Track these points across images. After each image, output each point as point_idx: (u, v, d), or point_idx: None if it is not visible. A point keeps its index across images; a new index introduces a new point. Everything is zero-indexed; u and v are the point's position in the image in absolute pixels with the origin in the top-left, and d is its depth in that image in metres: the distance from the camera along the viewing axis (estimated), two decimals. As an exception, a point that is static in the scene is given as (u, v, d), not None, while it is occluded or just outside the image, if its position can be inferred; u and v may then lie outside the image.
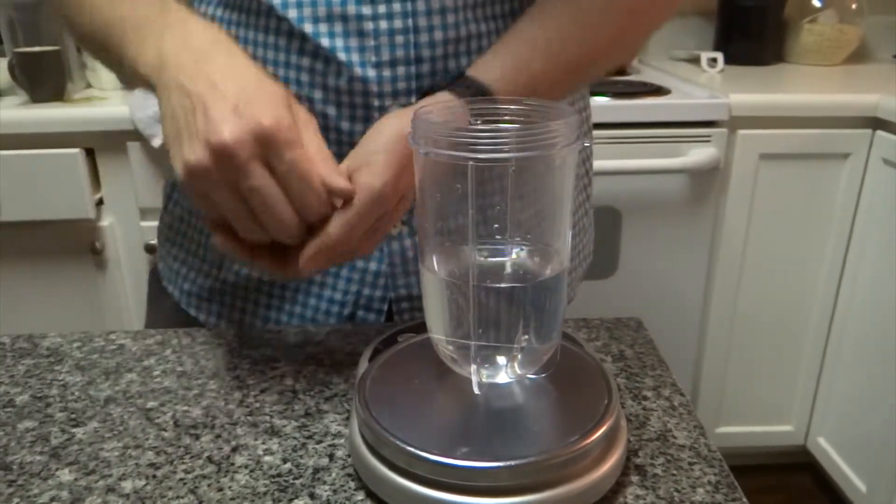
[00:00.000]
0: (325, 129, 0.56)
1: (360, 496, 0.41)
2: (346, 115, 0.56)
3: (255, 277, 0.63)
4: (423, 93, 0.55)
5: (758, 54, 1.79)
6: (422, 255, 0.44)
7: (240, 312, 0.65)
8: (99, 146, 1.33)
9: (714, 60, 1.69)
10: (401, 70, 0.55)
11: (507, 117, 0.43)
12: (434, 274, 0.43)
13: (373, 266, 0.61)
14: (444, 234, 0.43)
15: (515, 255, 0.43)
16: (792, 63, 1.82)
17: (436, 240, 0.43)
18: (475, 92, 0.52)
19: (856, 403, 1.50)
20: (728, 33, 1.81)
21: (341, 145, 0.57)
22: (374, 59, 0.55)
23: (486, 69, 0.53)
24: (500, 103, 0.43)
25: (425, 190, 0.42)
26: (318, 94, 0.56)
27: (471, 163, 0.37)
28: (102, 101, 1.38)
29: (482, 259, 0.42)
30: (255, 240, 0.47)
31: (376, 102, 0.56)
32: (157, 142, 1.27)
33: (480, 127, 0.41)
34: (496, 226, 0.42)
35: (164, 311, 0.70)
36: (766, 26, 1.77)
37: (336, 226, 0.47)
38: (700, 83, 1.53)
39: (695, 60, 1.76)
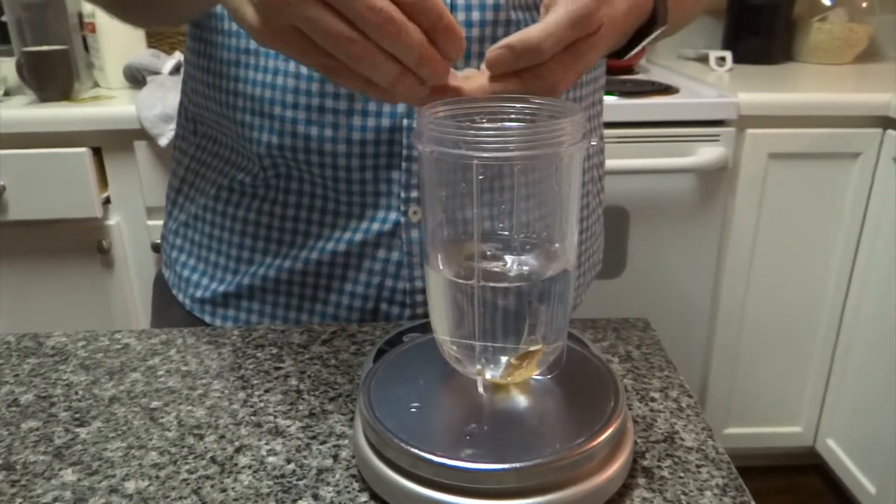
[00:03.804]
0: (350, 112, 0.57)
1: (364, 497, 0.40)
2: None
3: (272, 277, 0.63)
4: None
5: (767, 53, 1.78)
6: (426, 255, 0.43)
7: (258, 315, 0.65)
8: (106, 145, 1.34)
9: (723, 59, 1.68)
10: None
11: (512, 115, 0.43)
12: (438, 273, 0.42)
13: (395, 256, 0.61)
14: (449, 233, 0.42)
15: (521, 255, 0.43)
16: (801, 62, 1.81)
17: (440, 238, 0.42)
18: None
19: (865, 404, 1.49)
20: (737, 32, 1.80)
21: (365, 131, 0.57)
22: None
23: None
24: (506, 101, 0.43)
25: (430, 188, 0.41)
26: None
27: (475, 161, 0.37)
28: (109, 101, 1.38)
29: (487, 258, 0.42)
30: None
31: None
32: (163, 141, 1.27)
33: (486, 125, 0.41)
34: (501, 224, 0.41)
35: (172, 319, 0.69)
36: (775, 25, 1.76)
37: (538, 28, 0.41)
38: (708, 82, 1.52)
39: (703, 59, 1.75)
